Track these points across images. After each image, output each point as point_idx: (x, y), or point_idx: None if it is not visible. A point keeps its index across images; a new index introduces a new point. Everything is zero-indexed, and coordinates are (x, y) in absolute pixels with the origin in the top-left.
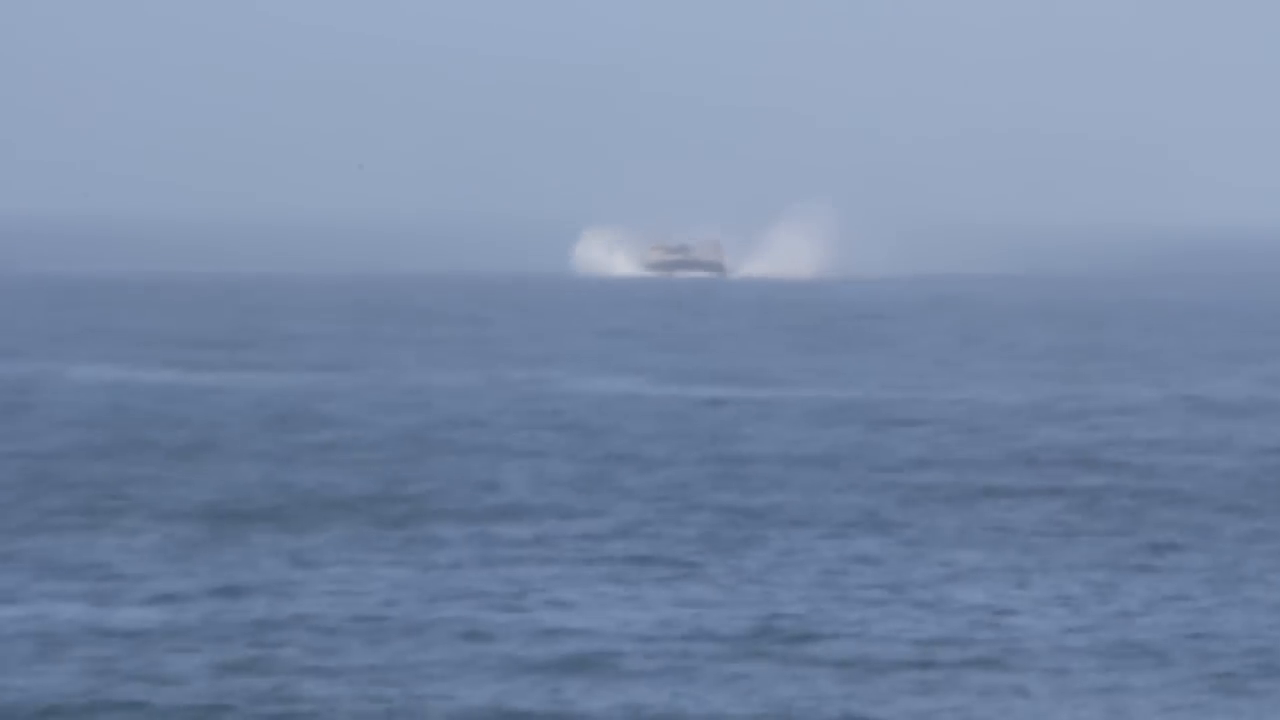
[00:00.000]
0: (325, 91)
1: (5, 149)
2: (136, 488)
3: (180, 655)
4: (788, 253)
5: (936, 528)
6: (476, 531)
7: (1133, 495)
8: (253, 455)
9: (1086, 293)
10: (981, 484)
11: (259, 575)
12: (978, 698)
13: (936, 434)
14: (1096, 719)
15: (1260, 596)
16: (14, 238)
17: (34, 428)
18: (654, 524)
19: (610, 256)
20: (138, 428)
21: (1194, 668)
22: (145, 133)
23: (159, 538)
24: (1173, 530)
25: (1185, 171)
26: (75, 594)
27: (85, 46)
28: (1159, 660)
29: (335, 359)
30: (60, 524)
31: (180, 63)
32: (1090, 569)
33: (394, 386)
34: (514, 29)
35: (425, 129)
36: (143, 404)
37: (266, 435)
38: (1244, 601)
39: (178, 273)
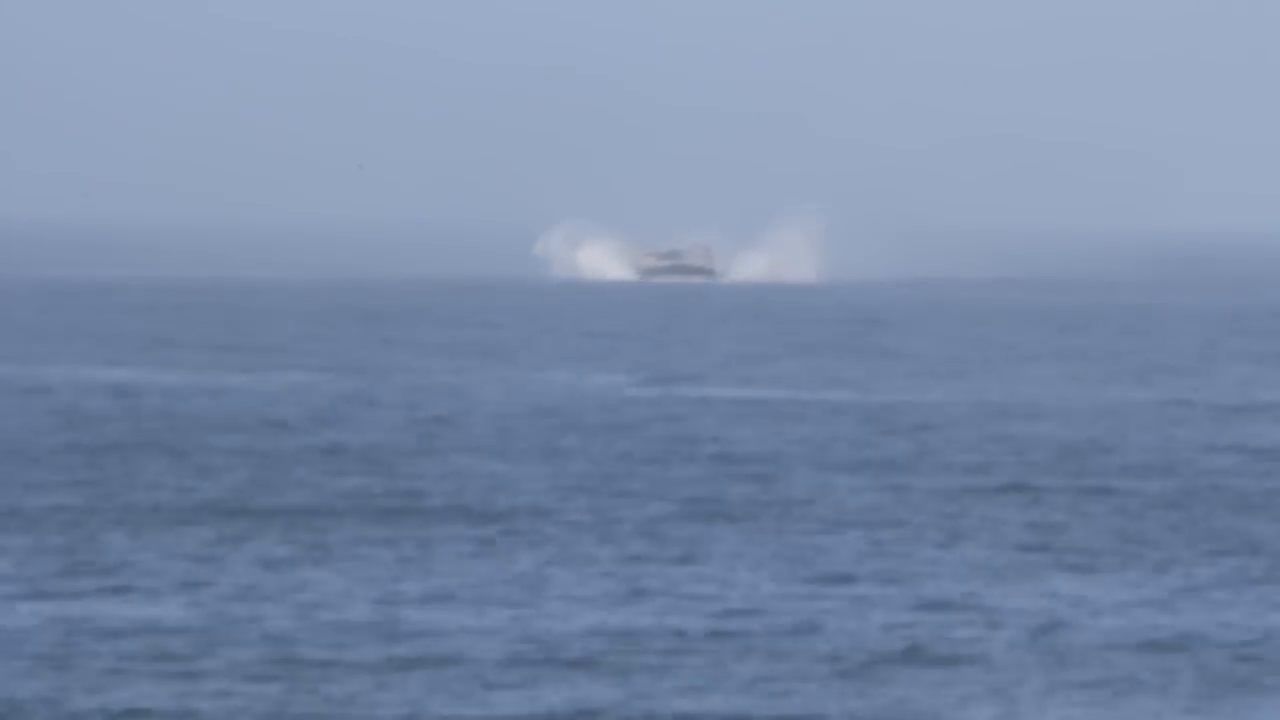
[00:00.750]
0: (323, 98)
1: (5, 156)
2: (134, 486)
3: (156, 653)
4: (779, 257)
5: (927, 525)
6: (475, 531)
7: (1120, 495)
8: (252, 455)
9: (1079, 297)
10: (970, 484)
11: (251, 575)
12: (952, 691)
13: (925, 433)
14: (1088, 715)
15: (1240, 597)
16: (14, 243)
17: (37, 426)
18: (648, 521)
19: (572, 250)
20: (136, 428)
21: (1180, 663)
22: (145, 140)
23: (154, 536)
24: (1161, 529)
25: (1177, 178)
26: (56, 591)
27: (85, 55)
28: (1147, 656)
29: (332, 361)
30: (58, 521)
31: (179, 71)
32: (1078, 568)
33: (392, 386)
34: (513, 37)
35: (421, 136)
36: (138, 405)
37: (266, 435)
38: (1228, 601)
39: (178, 278)
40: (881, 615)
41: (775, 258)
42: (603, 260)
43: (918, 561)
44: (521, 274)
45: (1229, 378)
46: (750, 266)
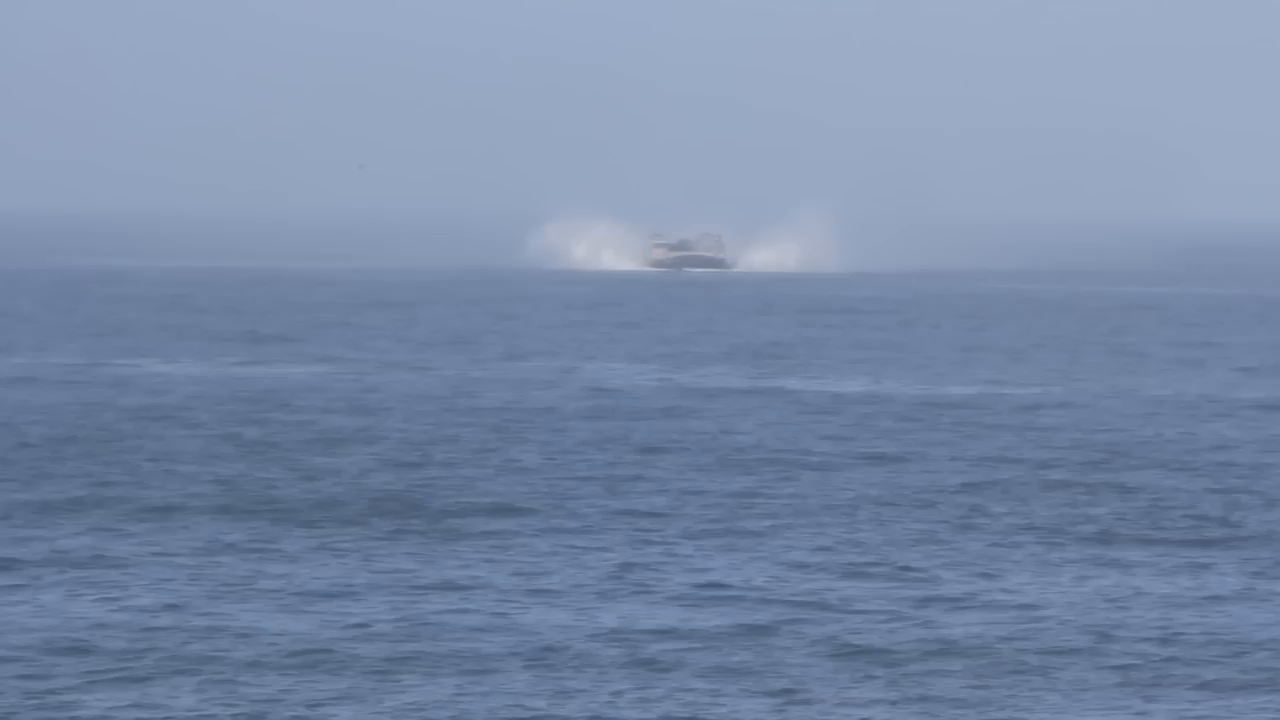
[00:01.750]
0: (326, 90)
1: (9, 146)
2: (137, 477)
3: (147, 647)
4: (789, 248)
5: (937, 517)
6: (478, 525)
7: (1131, 489)
8: (254, 445)
9: (1091, 287)
10: (979, 477)
11: (251, 567)
12: (969, 683)
13: (934, 425)
14: (1113, 707)
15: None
16: (19, 234)
17: (39, 417)
18: (654, 515)
19: (579, 241)
20: (138, 419)
21: (1196, 657)
22: (151, 131)
23: (153, 529)
24: (1173, 522)
25: (1197, 166)
26: (53, 583)
27: (91, 45)
28: (1152, 649)
29: (338, 352)
30: (60, 513)
31: (184, 62)
32: (1092, 561)
33: (396, 379)
34: (518, 29)
35: (427, 128)
36: (140, 396)
37: (267, 426)
38: (1221, 598)
39: (185, 267)
40: (894, 607)
41: (785, 248)
42: (610, 251)
43: (927, 554)
44: (529, 265)
45: (1226, 368)
46: (761, 257)
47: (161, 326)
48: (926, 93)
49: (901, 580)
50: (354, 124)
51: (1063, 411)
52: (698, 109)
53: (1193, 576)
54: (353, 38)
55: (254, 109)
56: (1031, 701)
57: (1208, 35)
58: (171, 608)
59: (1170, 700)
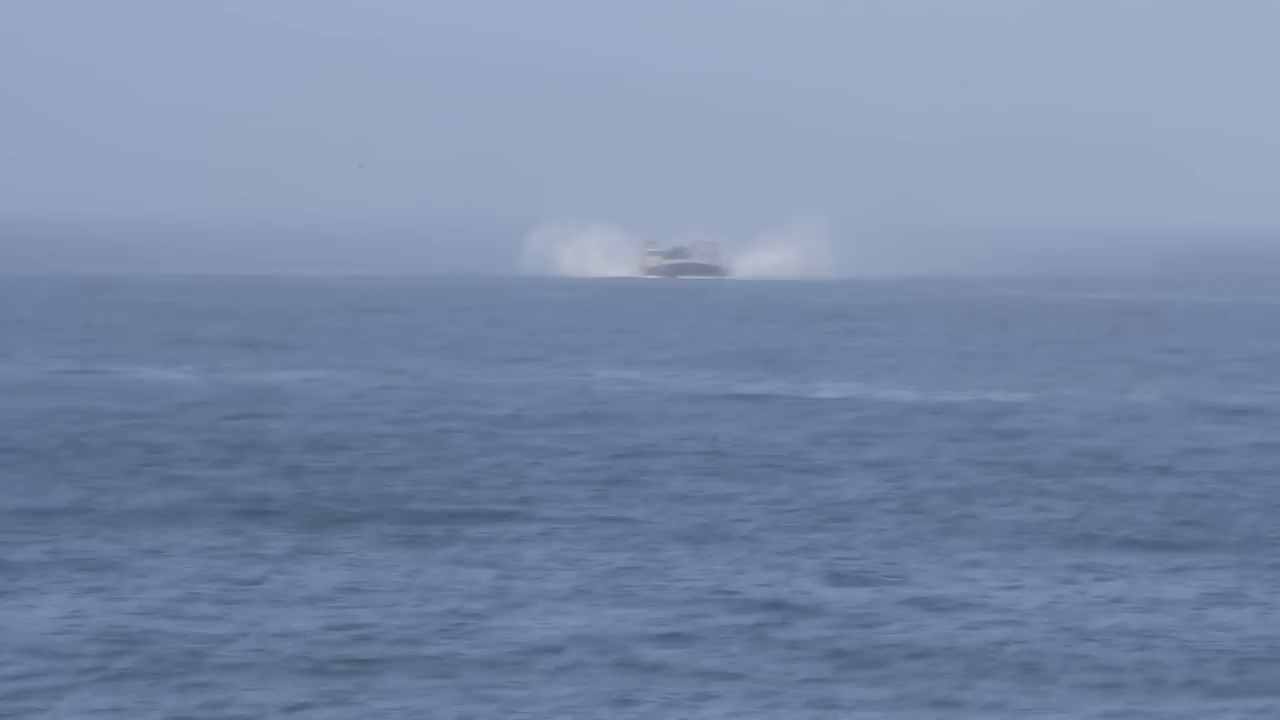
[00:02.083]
0: (324, 96)
1: (9, 152)
2: (137, 484)
3: (138, 652)
4: (786, 254)
5: (934, 522)
6: (467, 531)
7: (1128, 495)
8: (251, 450)
9: (1086, 294)
10: (960, 482)
11: (248, 572)
12: (964, 684)
13: (915, 432)
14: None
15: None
16: (20, 240)
17: (53, 424)
18: (645, 520)
19: (573, 248)
20: (139, 425)
21: (1182, 663)
22: (151, 137)
23: (151, 535)
24: (1169, 527)
25: (1192, 173)
26: (55, 587)
27: (90, 51)
28: (1143, 652)
29: (340, 358)
30: (54, 520)
31: (184, 68)
32: (1085, 567)
33: (395, 383)
34: (514, 34)
35: (424, 133)
36: (142, 402)
37: (266, 435)
38: (1202, 597)
39: (185, 275)
40: (880, 610)
41: (781, 255)
42: (598, 256)
43: (913, 558)
44: (524, 272)
45: (1210, 374)
46: (756, 263)
47: (158, 333)
48: (924, 98)
49: (888, 583)
50: (352, 130)
51: (1050, 417)
52: (694, 114)
53: (1177, 580)
54: (351, 44)
55: (252, 115)
56: (1015, 703)
57: (1204, 41)
58: (162, 611)
59: (1153, 703)
